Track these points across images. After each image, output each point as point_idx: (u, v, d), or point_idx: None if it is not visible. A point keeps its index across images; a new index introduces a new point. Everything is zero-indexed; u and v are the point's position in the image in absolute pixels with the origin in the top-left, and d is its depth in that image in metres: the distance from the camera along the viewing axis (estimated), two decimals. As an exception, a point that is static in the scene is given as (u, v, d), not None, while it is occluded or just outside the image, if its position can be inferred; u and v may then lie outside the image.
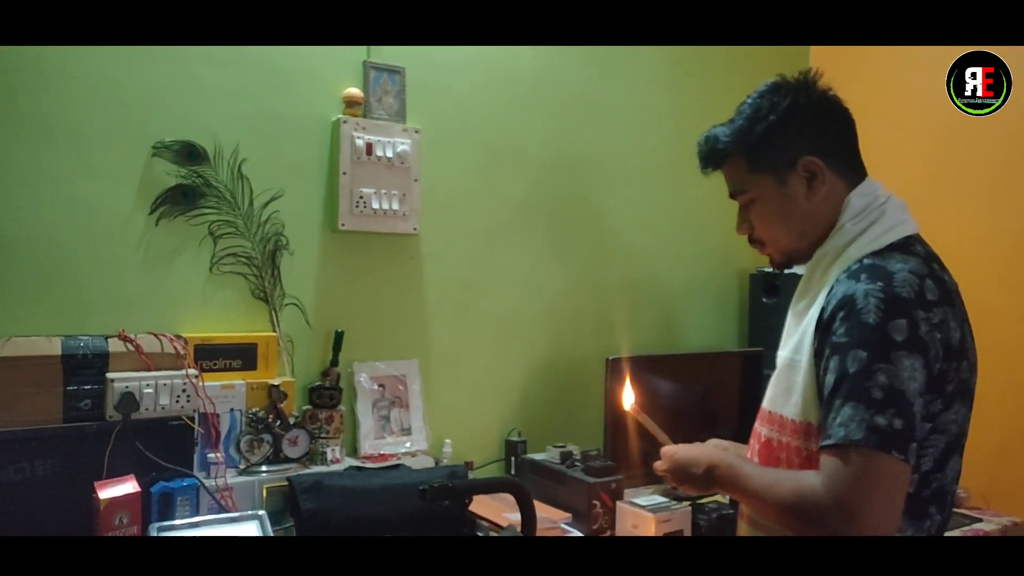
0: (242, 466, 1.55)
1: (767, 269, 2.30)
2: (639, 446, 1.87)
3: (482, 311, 2.00)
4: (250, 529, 1.37)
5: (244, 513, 1.40)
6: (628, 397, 1.25)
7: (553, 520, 1.62)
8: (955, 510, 1.78)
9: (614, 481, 1.68)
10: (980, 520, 1.76)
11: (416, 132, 1.84)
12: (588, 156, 2.17)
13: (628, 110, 2.24)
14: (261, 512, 1.40)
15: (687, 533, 1.59)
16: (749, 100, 1.08)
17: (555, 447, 1.85)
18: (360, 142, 1.75)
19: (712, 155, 1.09)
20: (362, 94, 1.77)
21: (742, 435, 1.17)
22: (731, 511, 1.66)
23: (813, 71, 1.06)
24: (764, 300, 2.31)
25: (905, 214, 1.03)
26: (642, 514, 1.59)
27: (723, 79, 2.34)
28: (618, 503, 1.66)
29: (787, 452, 0.98)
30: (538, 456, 1.88)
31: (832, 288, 0.95)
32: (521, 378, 2.06)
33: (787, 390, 1.00)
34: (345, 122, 1.74)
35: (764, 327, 2.27)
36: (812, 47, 2.42)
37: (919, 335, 0.88)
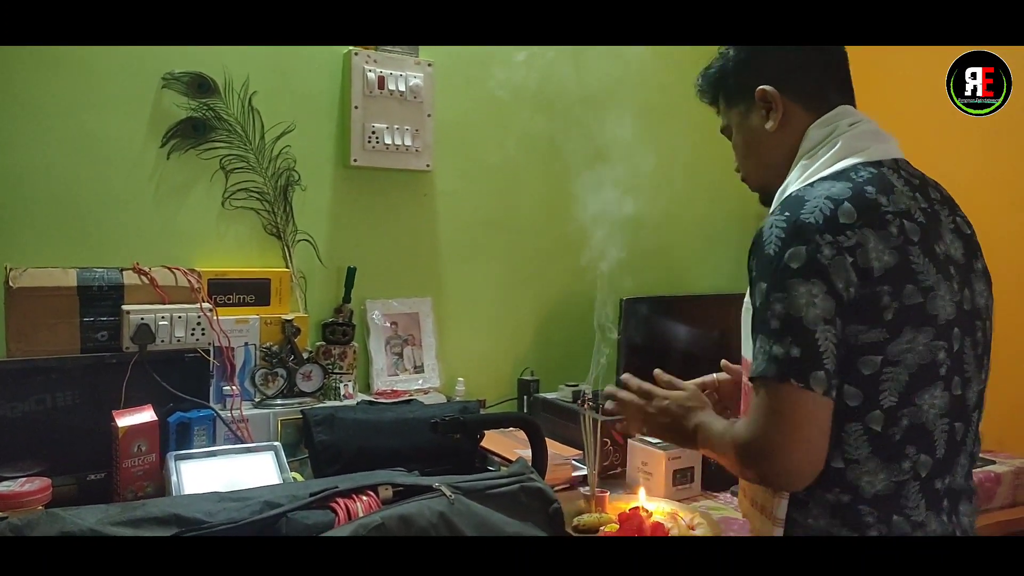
0: (257, 399, 1.57)
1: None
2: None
3: (496, 250, 1.99)
4: (266, 459, 1.39)
5: (260, 444, 1.42)
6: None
7: (564, 457, 1.64)
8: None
9: (625, 419, 1.68)
10: (993, 463, 1.75)
11: (429, 65, 1.79)
12: (608, 92, 2.11)
13: (650, 48, 2.17)
14: (276, 443, 1.42)
15: (697, 472, 1.60)
16: None
17: (567, 386, 1.86)
18: (372, 75, 1.71)
19: (701, 94, 1.15)
20: (374, 25, 1.73)
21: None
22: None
23: None
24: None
25: (865, 141, 0.98)
26: (653, 452, 1.60)
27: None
28: (629, 441, 1.67)
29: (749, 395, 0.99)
30: (550, 395, 1.89)
31: None
32: (535, 317, 2.05)
33: (746, 335, 0.99)
34: (356, 54, 1.70)
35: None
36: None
37: (818, 260, 0.85)
